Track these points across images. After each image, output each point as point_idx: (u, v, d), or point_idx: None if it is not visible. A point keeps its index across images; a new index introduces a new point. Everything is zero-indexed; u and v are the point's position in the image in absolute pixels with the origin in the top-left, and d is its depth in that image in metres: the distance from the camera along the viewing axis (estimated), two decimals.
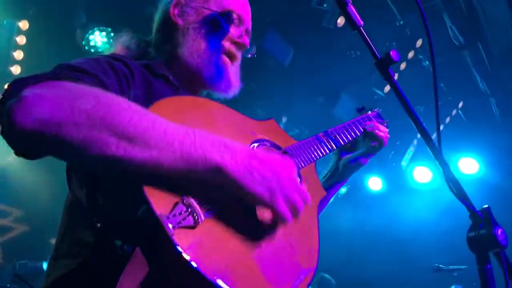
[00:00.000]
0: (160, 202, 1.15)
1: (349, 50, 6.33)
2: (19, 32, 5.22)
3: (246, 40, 1.83)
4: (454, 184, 1.44)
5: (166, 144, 1.15)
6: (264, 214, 1.34)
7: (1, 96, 1.14)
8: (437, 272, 5.53)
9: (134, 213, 1.16)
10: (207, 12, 1.77)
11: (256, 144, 1.55)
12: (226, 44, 1.78)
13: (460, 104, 7.08)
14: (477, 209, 1.43)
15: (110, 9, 5.12)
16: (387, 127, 2.33)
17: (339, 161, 2.22)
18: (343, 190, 8.87)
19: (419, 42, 5.90)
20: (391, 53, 1.40)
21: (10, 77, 5.55)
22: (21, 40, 5.23)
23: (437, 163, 1.44)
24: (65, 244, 1.41)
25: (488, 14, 5.65)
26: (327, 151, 1.90)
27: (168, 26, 1.80)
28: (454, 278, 5.74)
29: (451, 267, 5.60)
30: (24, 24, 5.16)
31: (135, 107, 1.18)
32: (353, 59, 6.37)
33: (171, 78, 1.68)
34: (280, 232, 1.38)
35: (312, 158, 1.77)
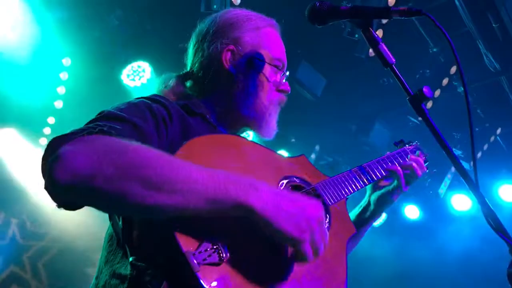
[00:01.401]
0: (187, 239, 1.20)
1: (382, 78, 6.34)
2: (62, 68, 5.49)
3: (288, 87, 1.89)
4: (492, 218, 1.42)
5: (192, 189, 1.19)
6: (290, 251, 1.37)
7: (43, 154, 1.23)
8: None
9: (163, 249, 1.21)
10: (257, 62, 1.80)
11: (285, 181, 1.57)
12: (276, 94, 1.84)
13: (499, 131, 6.93)
14: None
15: (149, 45, 5.32)
16: (427, 160, 2.28)
17: (371, 197, 2.19)
18: (381, 220, 8.73)
19: (453, 69, 5.85)
20: (424, 89, 1.42)
21: (54, 112, 5.80)
22: (64, 76, 5.48)
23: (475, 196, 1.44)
24: (105, 275, 1.46)
25: None
26: (360, 187, 1.90)
27: (216, 70, 1.82)
28: None
29: None
30: (66, 61, 5.42)
31: (161, 155, 1.23)
32: (386, 87, 6.36)
33: (207, 116, 1.73)
34: (306, 270, 1.40)
35: (343, 194, 1.77)
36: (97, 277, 1.51)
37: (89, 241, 6.21)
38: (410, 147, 2.28)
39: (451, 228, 8.27)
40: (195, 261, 1.16)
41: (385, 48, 1.48)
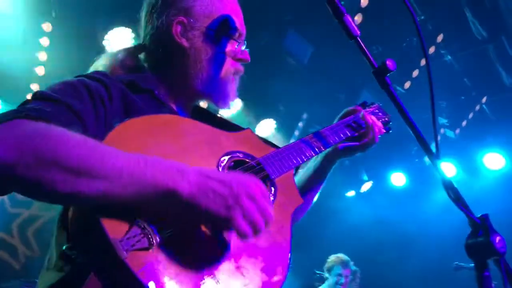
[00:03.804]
0: (115, 226, 1.18)
1: (370, 46, 6.28)
2: (43, 34, 5.36)
3: (248, 56, 1.80)
4: (451, 190, 1.44)
5: (115, 176, 1.17)
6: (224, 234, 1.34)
7: None
8: (457, 270, 5.43)
9: (90, 237, 1.19)
10: (211, 33, 1.73)
11: (227, 157, 1.53)
12: (232, 64, 1.77)
13: (484, 99, 6.95)
14: (476, 216, 1.43)
15: (130, 10, 5.21)
16: (389, 121, 2.24)
17: (325, 160, 2.12)
18: (366, 188, 8.82)
19: (440, 37, 5.81)
20: (387, 62, 1.42)
21: (36, 79, 5.70)
22: (45, 42, 5.36)
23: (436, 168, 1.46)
24: (54, 255, 1.44)
25: None
26: (313, 154, 1.83)
27: (167, 44, 1.73)
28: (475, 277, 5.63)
29: (472, 265, 5.50)
30: (47, 26, 5.29)
31: (85, 141, 1.20)
32: (373, 55, 6.30)
33: (156, 93, 1.67)
34: (246, 247, 1.38)
35: (290, 165, 1.70)
36: (48, 259, 1.48)
37: None
38: (370, 109, 2.22)
39: (436, 195, 8.40)
40: (122, 249, 1.14)
41: (350, 19, 1.46)
